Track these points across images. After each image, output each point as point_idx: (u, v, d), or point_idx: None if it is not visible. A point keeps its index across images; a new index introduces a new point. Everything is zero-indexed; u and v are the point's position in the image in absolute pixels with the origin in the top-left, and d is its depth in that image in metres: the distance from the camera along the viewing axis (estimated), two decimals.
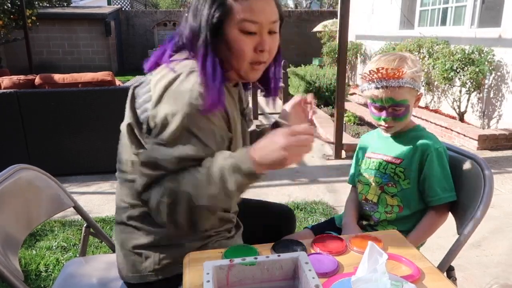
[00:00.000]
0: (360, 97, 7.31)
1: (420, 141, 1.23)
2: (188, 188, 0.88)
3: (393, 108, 1.20)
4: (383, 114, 1.23)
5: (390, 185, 1.26)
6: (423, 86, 5.81)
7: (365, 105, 6.63)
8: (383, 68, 1.17)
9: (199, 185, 0.88)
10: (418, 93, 1.23)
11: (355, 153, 1.45)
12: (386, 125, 1.24)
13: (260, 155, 0.85)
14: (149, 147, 0.93)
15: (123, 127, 1.03)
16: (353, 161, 1.46)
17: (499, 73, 4.71)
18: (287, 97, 5.96)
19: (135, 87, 1.02)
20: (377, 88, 1.19)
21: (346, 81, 3.91)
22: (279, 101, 7.25)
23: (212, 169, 0.88)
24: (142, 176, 0.93)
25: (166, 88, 0.93)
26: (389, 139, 1.30)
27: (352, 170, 1.45)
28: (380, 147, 1.33)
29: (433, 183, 1.20)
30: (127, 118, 1.01)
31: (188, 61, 0.98)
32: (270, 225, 1.35)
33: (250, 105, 5.76)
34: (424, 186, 1.22)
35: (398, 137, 1.29)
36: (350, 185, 1.45)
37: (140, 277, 1.05)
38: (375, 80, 1.19)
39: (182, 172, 0.90)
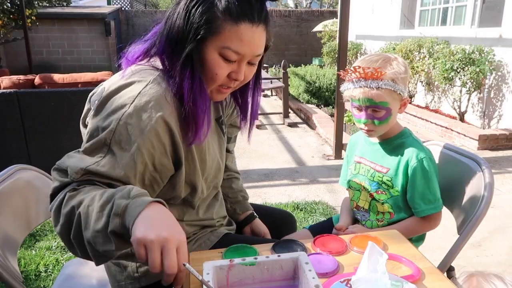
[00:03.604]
0: None
1: (405, 151, 1.19)
2: (77, 205, 0.75)
3: (373, 110, 1.15)
4: (363, 116, 1.18)
5: (379, 192, 1.24)
6: (423, 86, 5.81)
7: None
8: (360, 67, 1.12)
9: (89, 211, 0.73)
10: (403, 98, 1.17)
11: (346, 153, 1.42)
12: (366, 128, 1.20)
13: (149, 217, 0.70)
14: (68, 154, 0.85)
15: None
16: (344, 162, 1.43)
17: (499, 73, 4.71)
18: (287, 97, 5.95)
19: (92, 94, 0.98)
20: (355, 87, 1.14)
21: None
22: (279, 101, 7.24)
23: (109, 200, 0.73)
24: (54, 181, 0.82)
25: (108, 98, 0.85)
26: (375, 146, 1.27)
27: (343, 171, 1.43)
28: (367, 153, 1.29)
29: (415, 197, 1.18)
30: (82, 132, 0.97)
31: (145, 68, 0.91)
32: (271, 230, 1.33)
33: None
34: (408, 197, 1.20)
35: (384, 143, 1.25)
36: None
37: (121, 286, 1.02)
38: (353, 80, 1.15)
39: (85, 186, 0.79)
